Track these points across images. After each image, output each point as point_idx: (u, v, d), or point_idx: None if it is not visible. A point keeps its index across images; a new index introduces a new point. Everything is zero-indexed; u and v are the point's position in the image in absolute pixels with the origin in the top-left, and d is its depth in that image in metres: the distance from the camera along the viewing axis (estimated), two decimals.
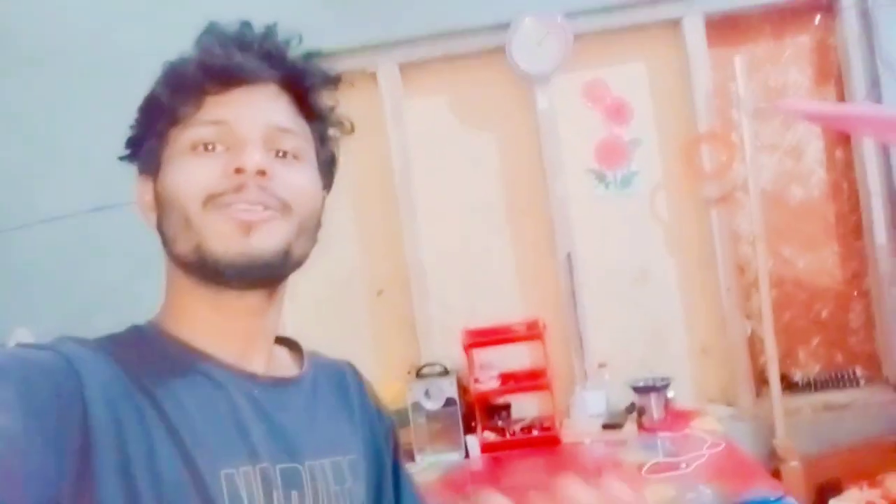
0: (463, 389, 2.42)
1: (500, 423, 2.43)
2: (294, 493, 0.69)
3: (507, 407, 2.48)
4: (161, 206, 0.71)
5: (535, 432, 2.36)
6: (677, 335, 2.56)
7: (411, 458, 2.33)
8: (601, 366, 2.48)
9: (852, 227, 2.56)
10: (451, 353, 2.49)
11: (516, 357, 2.55)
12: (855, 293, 2.56)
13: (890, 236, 2.46)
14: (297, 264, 0.74)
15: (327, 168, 0.80)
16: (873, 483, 2.19)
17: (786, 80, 2.57)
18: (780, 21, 2.55)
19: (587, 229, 2.57)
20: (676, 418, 2.31)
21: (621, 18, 2.50)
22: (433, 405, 2.36)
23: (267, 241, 0.68)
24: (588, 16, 2.48)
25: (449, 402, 2.36)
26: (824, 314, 2.57)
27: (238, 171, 0.67)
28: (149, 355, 0.69)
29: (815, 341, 2.57)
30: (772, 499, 1.71)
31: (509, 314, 2.55)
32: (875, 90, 2.42)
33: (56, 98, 2.46)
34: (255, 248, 0.67)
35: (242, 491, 0.65)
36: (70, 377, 0.60)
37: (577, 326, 2.53)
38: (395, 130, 2.59)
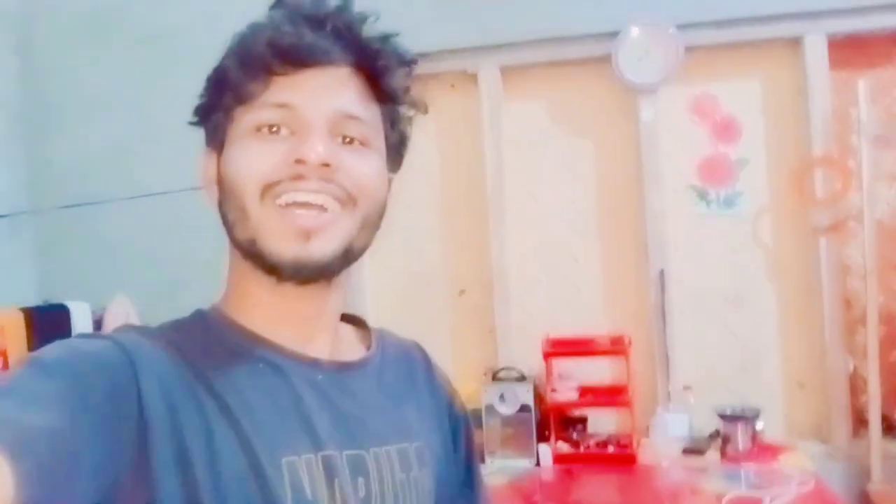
0: (539, 397, 2.37)
1: (574, 435, 2.36)
2: (359, 480, 0.68)
3: (583, 420, 2.41)
4: (222, 187, 0.69)
5: (610, 449, 2.29)
6: (771, 365, 2.43)
7: (482, 459, 2.30)
8: (686, 388, 2.38)
9: None
10: (528, 359, 2.44)
11: (596, 370, 2.48)
12: None
13: None
14: (358, 257, 0.71)
15: (396, 151, 0.77)
16: None
17: None
18: None
19: (683, 247, 2.48)
20: (763, 451, 2.19)
21: (737, 33, 2.41)
22: (507, 410, 2.32)
23: (327, 246, 0.66)
24: (701, 28, 2.40)
25: (523, 408, 2.31)
26: None
27: (299, 161, 0.64)
28: (210, 343, 0.68)
29: None
30: None
31: (592, 326, 2.49)
32: None
33: (161, 78, 2.57)
34: (312, 253, 0.65)
35: (304, 479, 0.63)
36: (125, 368, 0.60)
37: (664, 346, 2.44)
38: (491, 132, 2.58)
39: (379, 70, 0.70)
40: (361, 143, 0.69)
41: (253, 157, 0.66)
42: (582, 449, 2.30)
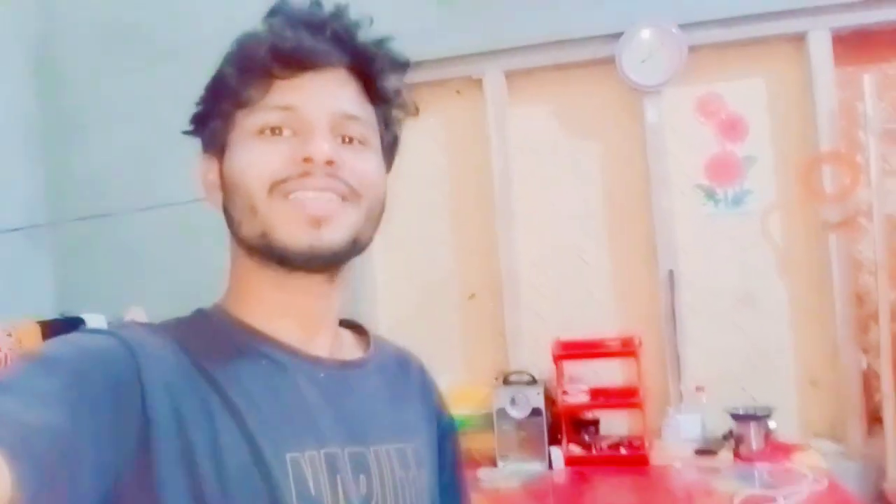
0: (550, 401, 2.37)
1: (586, 437, 2.36)
2: (361, 478, 0.69)
3: (595, 422, 2.40)
4: (226, 188, 0.71)
5: (622, 451, 2.28)
6: (783, 364, 2.41)
7: (493, 463, 2.30)
8: (698, 389, 2.37)
9: None
10: (539, 362, 2.45)
11: (607, 372, 2.48)
12: None
13: None
14: (363, 249, 0.72)
15: (389, 151, 0.78)
16: None
17: None
18: None
19: (692, 247, 2.48)
20: (776, 450, 2.17)
21: (740, 31, 2.40)
22: (519, 413, 2.32)
23: (337, 233, 0.68)
24: (705, 27, 2.40)
25: (535, 411, 2.31)
26: None
27: (306, 160, 0.67)
28: (213, 339, 0.69)
29: None
30: None
31: (603, 328, 2.49)
32: None
33: (182, 90, 2.61)
34: (324, 240, 0.67)
35: (308, 475, 0.64)
36: (128, 364, 0.60)
37: (675, 346, 2.43)
38: (497, 137, 2.59)
39: (374, 73, 0.73)
40: (360, 143, 0.71)
41: (259, 156, 0.68)
42: (594, 451, 2.29)
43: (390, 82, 0.74)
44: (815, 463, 2.09)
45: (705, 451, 2.23)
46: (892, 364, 2.16)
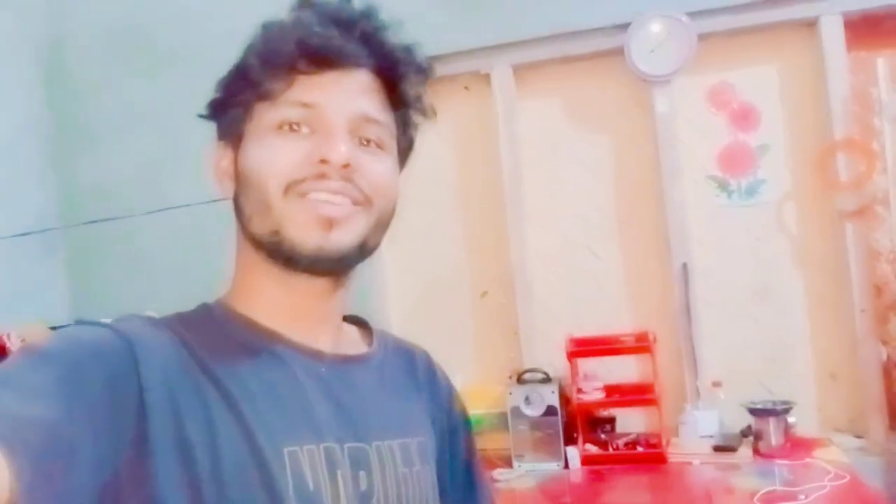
0: (565, 399, 2.34)
1: (603, 436, 2.34)
2: (361, 474, 0.68)
3: (611, 420, 2.38)
4: (240, 181, 0.70)
5: (639, 448, 2.25)
6: (801, 357, 2.37)
7: (508, 463, 2.28)
8: (715, 385, 2.33)
9: None
10: (553, 360, 2.42)
11: (623, 369, 2.45)
12: None
13: None
14: (370, 254, 0.72)
15: (404, 155, 0.78)
16: None
17: None
18: None
19: (706, 239, 2.44)
20: (797, 446, 2.14)
21: (750, 18, 2.36)
22: (533, 412, 2.30)
23: (346, 236, 0.68)
24: (714, 15, 2.36)
25: (550, 410, 2.29)
26: None
27: (323, 161, 0.66)
28: (214, 333, 0.68)
29: None
30: None
31: (617, 324, 2.46)
32: None
33: (187, 96, 2.60)
34: (333, 243, 0.67)
35: (306, 469, 0.63)
36: (125, 356, 0.60)
37: (691, 341, 2.40)
38: (506, 132, 2.57)
39: (399, 77, 0.72)
40: (378, 146, 0.71)
41: (276, 153, 0.67)
42: (610, 450, 2.27)
43: (413, 88, 0.74)
44: (836, 458, 2.06)
45: (724, 447, 2.20)
46: None
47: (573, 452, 2.24)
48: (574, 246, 2.57)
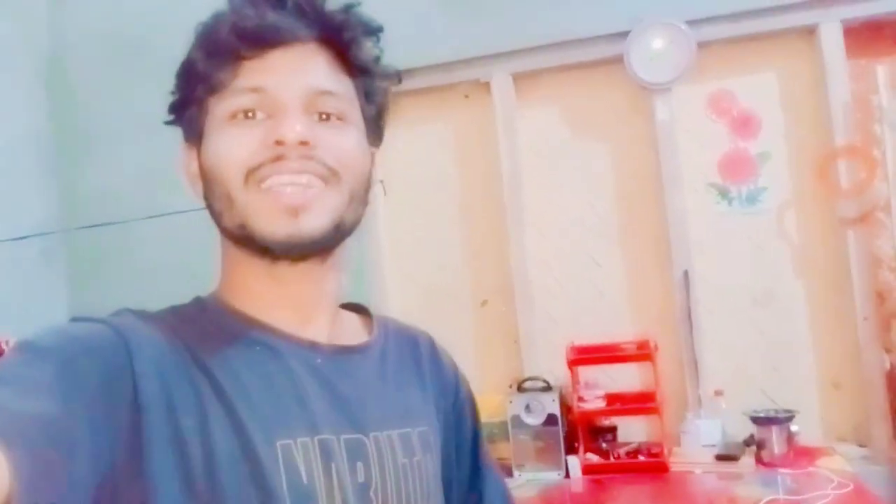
0: (566, 407, 2.33)
1: (604, 445, 2.32)
2: (359, 465, 0.67)
3: (612, 429, 2.36)
4: (205, 179, 0.69)
5: (641, 457, 2.23)
6: (804, 365, 2.36)
7: (509, 473, 2.26)
8: (717, 393, 2.32)
9: None
10: (554, 368, 2.41)
11: (624, 377, 2.43)
12: None
13: None
14: (350, 232, 0.70)
15: (375, 123, 0.75)
16: None
17: None
18: None
19: (706, 246, 2.43)
20: (800, 455, 2.12)
21: (750, 26, 2.36)
22: (534, 420, 2.28)
23: (316, 220, 0.66)
24: (714, 23, 2.36)
25: (550, 418, 2.27)
26: None
27: (279, 142, 0.64)
28: (206, 326, 0.68)
29: None
30: None
31: (618, 332, 2.44)
32: None
33: None
34: (303, 229, 0.65)
35: (300, 462, 0.63)
36: (119, 351, 0.59)
37: (692, 349, 2.38)
38: (506, 140, 2.56)
39: (346, 42, 0.69)
40: (338, 118, 0.69)
41: (232, 144, 0.66)
42: (612, 459, 2.25)
43: (365, 51, 0.71)
44: (839, 467, 2.04)
45: (726, 456, 2.18)
46: None
47: (574, 461, 2.22)
48: (575, 254, 2.56)
